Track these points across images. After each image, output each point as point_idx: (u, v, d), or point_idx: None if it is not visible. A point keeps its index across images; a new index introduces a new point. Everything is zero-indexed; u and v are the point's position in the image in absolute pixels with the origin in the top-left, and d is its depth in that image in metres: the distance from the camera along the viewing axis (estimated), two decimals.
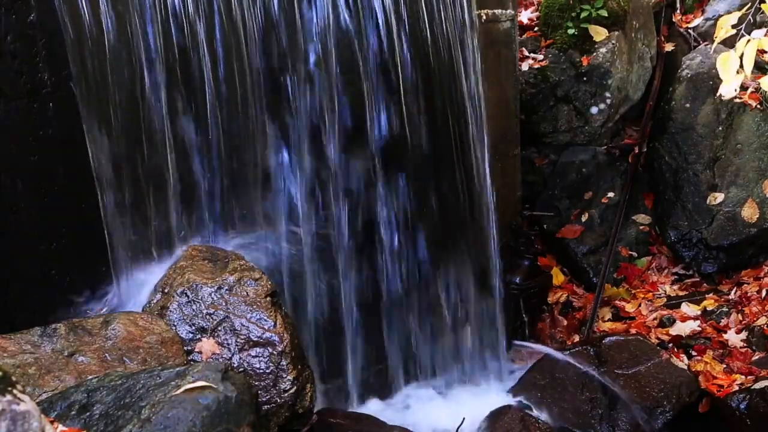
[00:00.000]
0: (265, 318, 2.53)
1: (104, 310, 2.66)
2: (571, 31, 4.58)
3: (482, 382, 3.72)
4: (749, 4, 3.46)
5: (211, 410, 1.77)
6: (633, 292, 4.45)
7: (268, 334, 2.50)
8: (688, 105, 4.62)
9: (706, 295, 4.32)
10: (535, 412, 3.38)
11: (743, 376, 3.62)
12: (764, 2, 2.87)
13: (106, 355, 2.30)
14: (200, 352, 2.47)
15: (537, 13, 4.77)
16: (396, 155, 3.32)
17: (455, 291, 3.63)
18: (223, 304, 2.54)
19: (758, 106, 4.44)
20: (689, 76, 4.65)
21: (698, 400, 3.51)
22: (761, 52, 4.01)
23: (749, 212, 4.36)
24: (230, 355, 2.47)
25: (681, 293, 4.42)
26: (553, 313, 4.28)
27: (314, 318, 3.21)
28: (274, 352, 2.48)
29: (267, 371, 2.46)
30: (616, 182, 4.70)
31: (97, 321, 2.43)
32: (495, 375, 3.76)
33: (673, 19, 5.08)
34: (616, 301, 4.39)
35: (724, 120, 4.53)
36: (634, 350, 3.65)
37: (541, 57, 4.62)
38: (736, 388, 3.50)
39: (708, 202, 4.48)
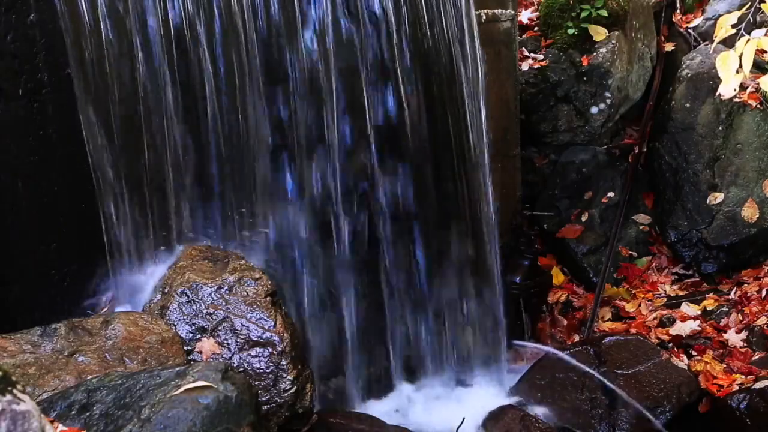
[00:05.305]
0: (265, 318, 2.53)
1: (104, 309, 2.66)
2: (571, 31, 4.57)
3: (482, 381, 3.71)
4: (749, 4, 3.46)
5: (211, 410, 1.77)
6: (633, 291, 4.45)
7: (268, 334, 2.50)
8: (688, 105, 4.62)
9: (706, 295, 4.31)
10: (535, 412, 3.38)
11: (743, 376, 3.62)
12: (764, 2, 2.87)
13: (106, 354, 2.30)
14: (200, 352, 2.47)
15: (537, 13, 4.77)
16: (396, 155, 3.32)
17: (455, 291, 3.63)
18: (223, 303, 2.54)
19: (758, 105, 4.44)
20: (689, 76, 4.65)
21: (698, 400, 3.50)
22: (761, 51, 4.01)
23: (749, 212, 4.36)
24: (230, 355, 2.47)
25: (681, 293, 4.42)
26: (553, 312, 4.28)
27: (315, 318, 3.21)
28: (274, 352, 2.48)
29: (267, 371, 2.46)
30: (616, 182, 4.70)
31: (97, 321, 2.43)
32: (495, 375, 3.75)
33: (673, 19, 5.08)
34: (616, 301, 4.39)
35: (724, 120, 4.53)
36: (634, 350, 3.64)
37: (541, 57, 4.62)
38: (736, 388, 3.50)
39: (708, 202, 4.48)
